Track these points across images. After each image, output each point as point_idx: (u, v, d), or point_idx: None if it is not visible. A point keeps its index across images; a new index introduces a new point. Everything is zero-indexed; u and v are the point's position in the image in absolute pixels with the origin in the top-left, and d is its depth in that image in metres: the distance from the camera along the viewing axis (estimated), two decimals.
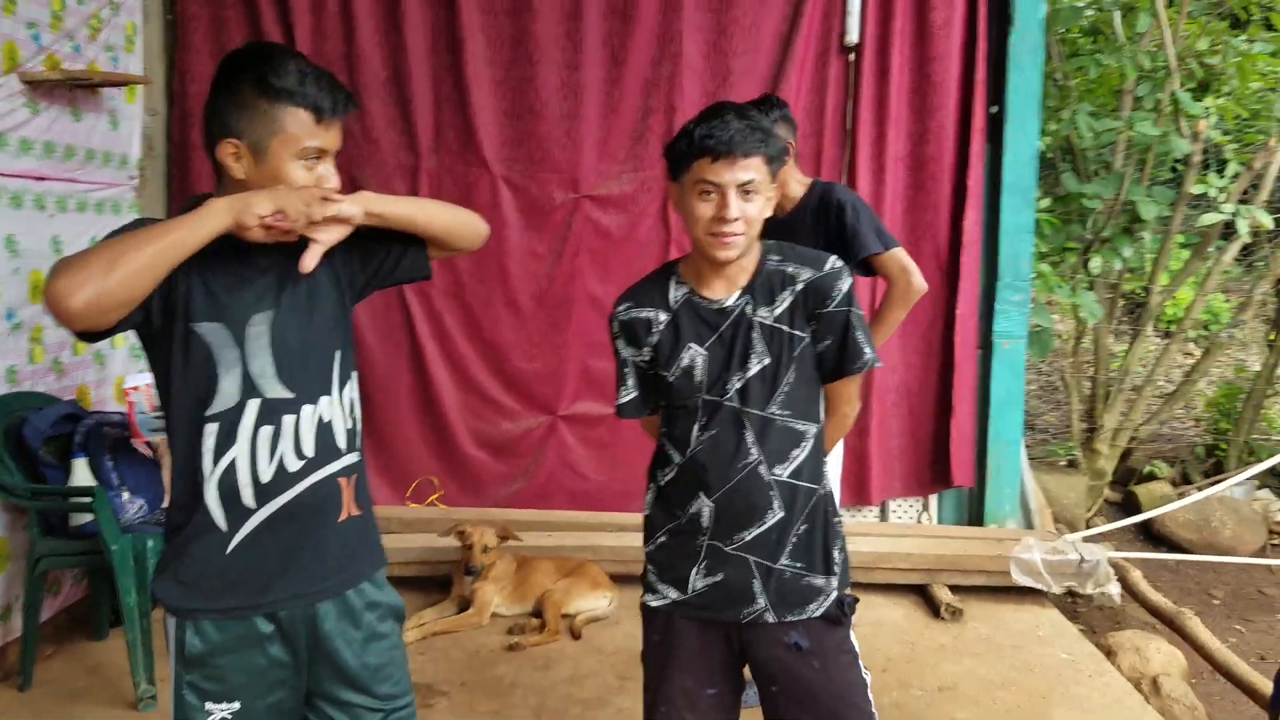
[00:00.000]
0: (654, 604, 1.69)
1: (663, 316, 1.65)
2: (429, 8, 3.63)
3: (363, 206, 1.40)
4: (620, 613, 3.31)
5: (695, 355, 1.63)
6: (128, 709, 2.66)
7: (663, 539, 1.69)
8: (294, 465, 1.41)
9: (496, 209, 3.72)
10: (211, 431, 1.39)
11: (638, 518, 3.76)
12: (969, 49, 3.69)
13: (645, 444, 4.46)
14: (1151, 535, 4.79)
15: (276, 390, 1.40)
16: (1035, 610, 3.49)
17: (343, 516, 1.46)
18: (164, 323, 1.37)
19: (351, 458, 1.49)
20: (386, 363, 3.79)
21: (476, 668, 2.96)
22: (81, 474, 2.75)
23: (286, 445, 1.41)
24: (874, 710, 1.70)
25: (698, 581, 1.65)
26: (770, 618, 1.62)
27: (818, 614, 1.63)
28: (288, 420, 1.41)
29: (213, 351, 1.38)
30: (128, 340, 3.54)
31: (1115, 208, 4.46)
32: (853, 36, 3.67)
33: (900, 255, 2.44)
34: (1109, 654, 3.28)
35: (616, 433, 3.83)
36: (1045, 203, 4.66)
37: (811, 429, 1.65)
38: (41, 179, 3.00)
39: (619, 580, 3.40)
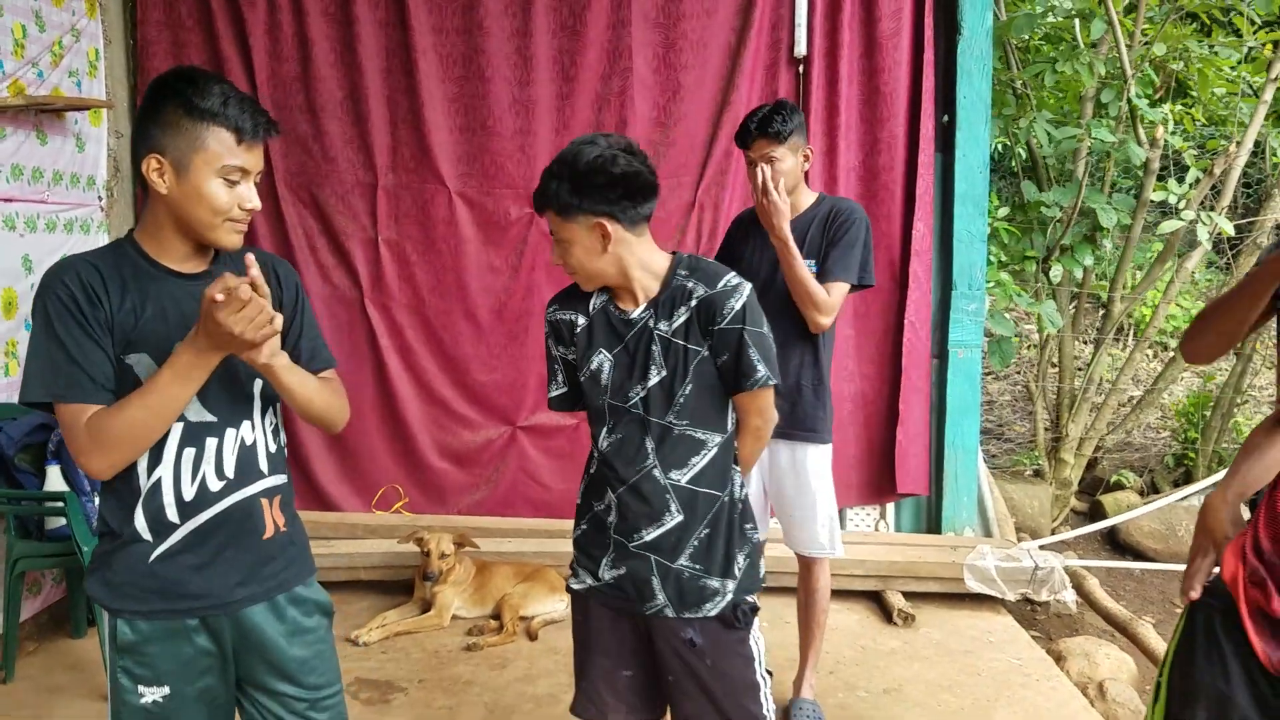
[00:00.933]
0: (574, 587, 1.98)
1: (581, 320, 1.91)
2: (382, 29, 4.03)
3: (274, 358, 1.56)
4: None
5: (603, 361, 1.88)
6: (103, 701, 3.04)
7: (584, 527, 1.96)
8: (215, 485, 1.61)
9: (453, 224, 4.13)
10: (188, 457, 1.59)
11: None
12: (917, 60, 4.02)
13: None
14: (1117, 544, 5.14)
15: (199, 414, 1.61)
16: (989, 617, 3.78)
17: (267, 534, 1.67)
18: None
19: (275, 479, 1.69)
20: (351, 374, 4.16)
21: (435, 666, 3.34)
22: (55, 480, 3.13)
23: (208, 466, 1.61)
24: (766, 712, 1.93)
25: (605, 572, 1.90)
26: (670, 613, 1.85)
27: (713, 614, 1.85)
28: (210, 442, 1.61)
29: (140, 379, 1.56)
30: None
31: (1074, 215, 4.88)
32: (801, 48, 4.02)
33: (838, 290, 2.66)
34: (1059, 659, 3.50)
35: (576, 442, 4.24)
36: (1004, 211, 5.07)
37: (714, 438, 1.86)
38: (9, 200, 3.40)
39: None
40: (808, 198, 2.80)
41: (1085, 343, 5.81)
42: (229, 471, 1.63)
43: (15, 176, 3.44)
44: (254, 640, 1.68)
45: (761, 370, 1.82)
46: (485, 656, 3.42)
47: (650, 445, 1.84)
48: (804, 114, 4.04)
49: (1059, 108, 5.50)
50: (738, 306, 1.80)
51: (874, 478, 4.27)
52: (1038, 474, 5.29)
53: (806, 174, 4.03)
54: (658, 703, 2.04)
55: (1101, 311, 5.64)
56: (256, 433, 1.67)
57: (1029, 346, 6.67)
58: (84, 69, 3.84)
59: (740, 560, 1.89)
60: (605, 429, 1.90)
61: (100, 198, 3.95)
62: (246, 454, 1.65)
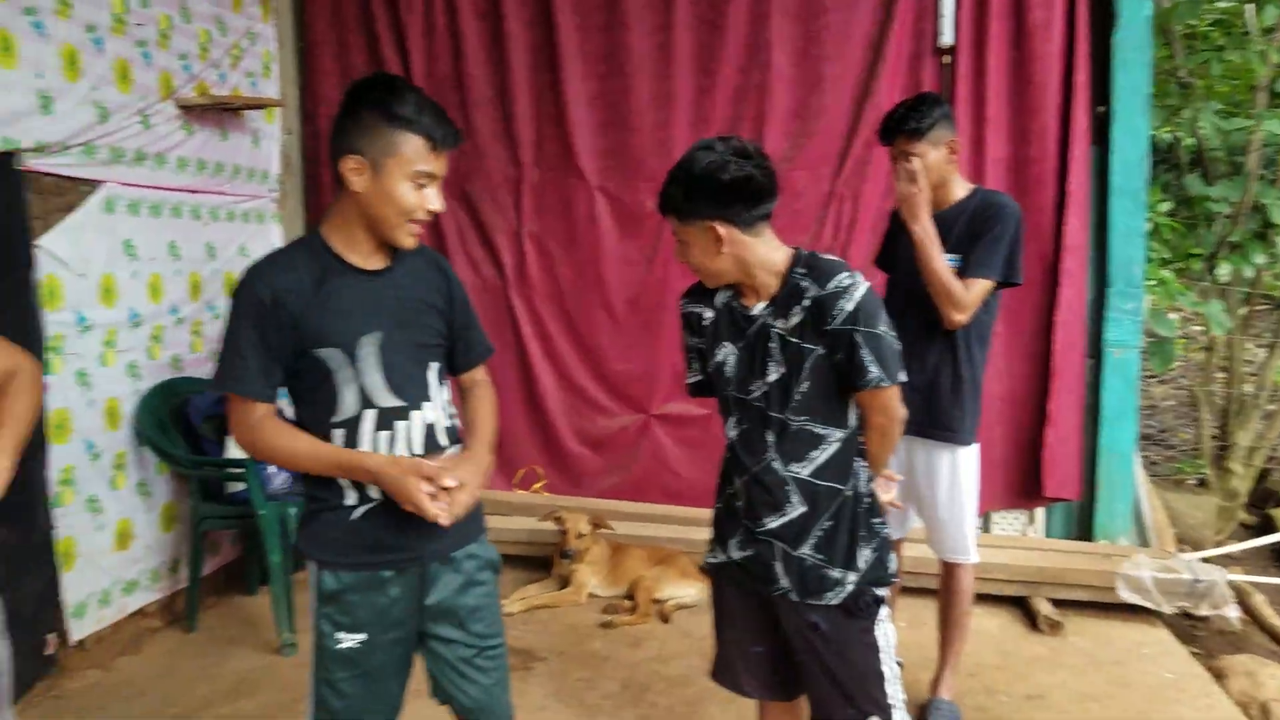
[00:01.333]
0: (709, 561, 2.13)
1: (709, 314, 2.02)
2: (528, 28, 4.33)
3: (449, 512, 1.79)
4: (709, 603, 3.90)
5: (728, 355, 1.98)
6: (273, 654, 3.44)
7: (720, 505, 2.10)
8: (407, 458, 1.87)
9: (593, 218, 4.40)
10: (339, 435, 1.83)
11: None
12: (1070, 49, 4.01)
13: None
14: None
15: (389, 400, 1.84)
16: (1143, 629, 3.73)
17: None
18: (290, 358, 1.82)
19: (453, 450, 1.93)
20: (495, 361, 4.44)
21: (573, 640, 3.59)
22: (234, 449, 3.55)
23: (400, 444, 1.85)
24: (891, 701, 2.00)
25: (734, 551, 2.03)
26: (794, 597, 1.96)
27: (835, 603, 1.94)
28: (400, 425, 1.85)
29: (333, 373, 1.81)
30: None
31: (1244, 211, 4.71)
32: (946, 39, 4.08)
33: (978, 287, 2.67)
34: (1219, 677, 3.40)
35: (708, 432, 4.40)
36: (1167, 206, 4.95)
37: (835, 433, 1.93)
38: (196, 192, 3.86)
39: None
40: (959, 190, 2.80)
41: (1258, 346, 5.59)
42: (416, 448, 1.87)
43: (200, 170, 3.90)
44: (432, 590, 1.92)
45: (873, 371, 1.86)
46: (620, 635, 3.65)
47: (770, 438, 1.94)
48: (951, 105, 4.13)
49: (1229, 97, 5.32)
50: (849, 308, 1.85)
51: (1021, 480, 4.26)
52: (1202, 484, 5.14)
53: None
54: (790, 685, 2.15)
55: (1277, 313, 5.43)
56: (436, 412, 1.91)
57: (1196, 349, 6.43)
58: (259, 70, 4.30)
59: (865, 553, 1.96)
60: (733, 420, 2.02)
61: (273, 190, 4.41)
62: (429, 431, 1.89)
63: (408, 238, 1.83)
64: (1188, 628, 4.17)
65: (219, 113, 3.97)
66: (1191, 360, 6.66)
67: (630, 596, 3.89)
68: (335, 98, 4.42)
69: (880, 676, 2.00)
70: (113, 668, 3.33)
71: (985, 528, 4.38)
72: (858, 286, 1.87)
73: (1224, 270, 4.77)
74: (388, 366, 1.84)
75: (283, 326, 1.77)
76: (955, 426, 2.81)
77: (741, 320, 1.98)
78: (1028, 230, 4.05)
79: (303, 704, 3.02)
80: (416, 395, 1.88)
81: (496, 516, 4.37)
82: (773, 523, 1.96)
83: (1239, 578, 4.10)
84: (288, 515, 3.49)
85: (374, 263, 1.86)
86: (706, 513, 4.19)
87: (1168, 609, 3.75)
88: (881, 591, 1.99)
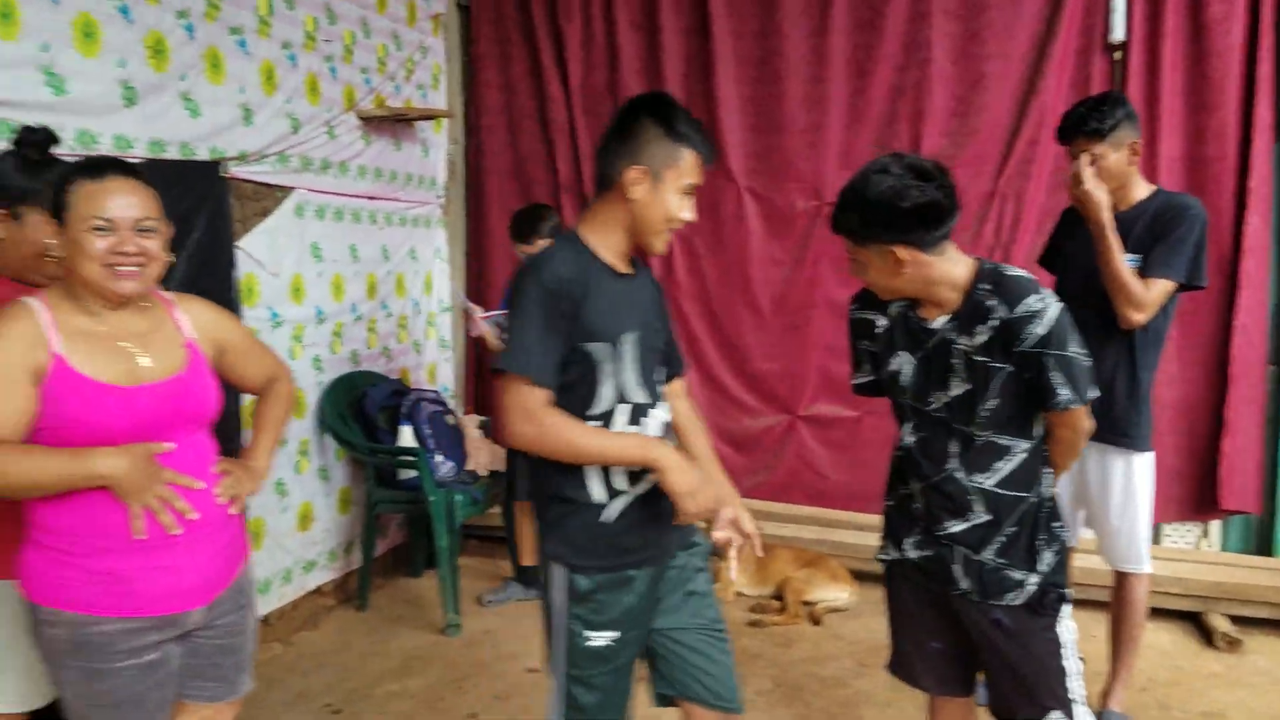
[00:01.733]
0: (881, 558, 2.11)
1: (882, 321, 2.00)
2: (684, 36, 4.37)
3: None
4: (861, 606, 3.82)
5: (903, 364, 1.96)
6: (438, 634, 3.59)
7: (891, 502, 2.08)
8: None
9: (741, 219, 4.40)
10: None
11: (876, 519, 4.31)
12: (1252, 42, 3.80)
13: (886, 448, 5.03)
14: None
15: (639, 396, 1.89)
16: None
17: None
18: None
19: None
20: None
21: None
22: (406, 438, 3.72)
23: None
24: (1073, 697, 1.96)
25: (910, 550, 2.01)
26: (975, 597, 1.93)
27: (1017, 603, 1.91)
28: (644, 420, 1.90)
29: (598, 367, 1.84)
30: (438, 333, 4.65)
31: None
32: (1118, 34, 3.92)
33: (1159, 287, 2.58)
34: None
35: (855, 435, 4.36)
36: None
37: (1021, 444, 1.89)
38: (373, 198, 4.07)
39: (858, 577, 3.93)
40: (1140, 191, 2.71)
41: None
42: None
43: (377, 178, 4.11)
44: (669, 584, 1.99)
45: (1064, 394, 1.82)
46: (770, 634, 3.64)
47: (954, 449, 1.91)
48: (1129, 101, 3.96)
49: None
50: (1039, 332, 1.79)
51: (1195, 492, 4.05)
52: None
53: None
54: (968, 681, 2.13)
55: None
56: (664, 412, 1.99)
57: None
58: (429, 82, 4.50)
59: (1047, 556, 1.93)
60: (910, 426, 1.99)
61: (439, 197, 4.60)
62: (665, 428, 1.97)
63: (662, 243, 1.90)
64: None
65: (393, 123, 4.17)
66: None
67: (778, 597, 3.87)
68: (498, 108, 4.66)
69: (1062, 672, 1.97)
70: (292, 642, 3.54)
71: (1155, 540, 4.19)
72: (1049, 309, 1.81)
73: None
74: (641, 364, 1.90)
75: (565, 317, 1.80)
76: (1131, 432, 2.72)
77: (919, 332, 1.94)
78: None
79: (466, 683, 3.19)
80: (655, 394, 1.96)
81: None
82: (954, 528, 1.94)
83: None
84: (454, 502, 3.63)
85: (623, 267, 1.91)
86: (855, 516, 4.27)
87: None
88: (1068, 590, 1.96)
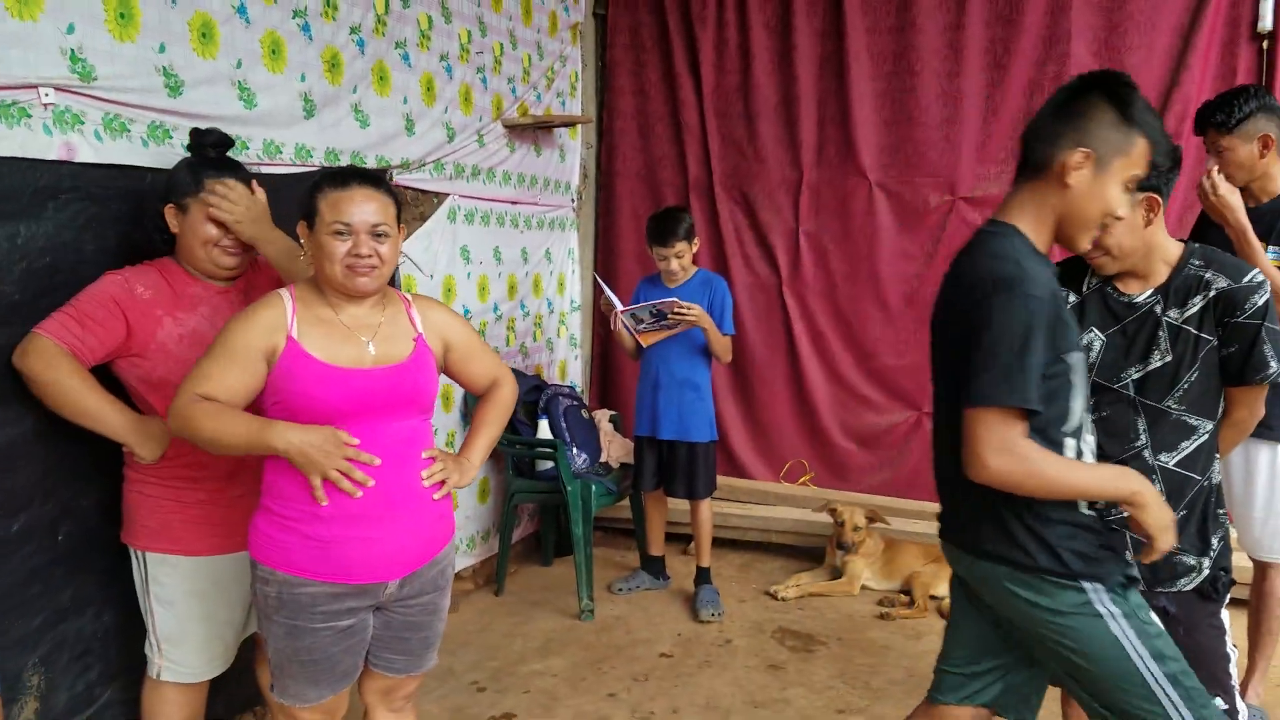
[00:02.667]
0: None
1: (1073, 297, 2.00)
2: (818, 38, 4.34)
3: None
4: None
5: (1093, 339, 1.95)
6: (573, 618, 3.67)
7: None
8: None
9: (871, 214, 4.35)
10: (1070, 446, 1.65)
11: None
12: None
13: None
14: None
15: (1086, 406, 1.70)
16: None
17: None
18: None
19: None
20: (765, 356, 4.57)
21: (851, 628, 3.57)
22: (544, 430, 3.82)
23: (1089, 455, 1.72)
24: (1234, 683, 1.94)
25: None
26: (1141, 586, 1.84)
27: (1189, 589, 1.91)
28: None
29: (1072, 378, 1.64)
30: (569, 331, 4.75)
31: None
32: (1266, 23, 3.74)
33: None
34: None
35: None
36: None
37: (1206, 425, 1.90)
38: (515, 203, 4.18)
39: None
40: (1278, 184, 2.64)
41: None
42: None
43: (520, 183, 4.21)
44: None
45: (1274, 366, 1.84)
46: (898, 627, 3.59)
47: (1142, 426, 1.90)
48: (1270, 93, 3.77)
49: None
50: (1260, 302, 1.84)
51: None
52: None
53: None
54: None
55: None
56: None
57: None
58: (567, 90, 4.59)
59: (1215, 541, 1.93)
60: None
61: (573, 200, 4.71)
62: None
63: (1088, 242, 1.70)
64: None
65: (534, 130, 4.27)
66: None
67: (906, 591, 3.82)
68: (630, 112, 4.73)
69: (1226, 658, 1.95)
70: None
71: None
72: (1268, 283, 1.86)
73: None
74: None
75: (1050, 329, 1.58)
76: (1274, 424, 2.61)
77: (1118, 307, 1.94)
78: None
79: (604, 665, 3.26)
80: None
81: (764, 506, 4.44)
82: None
83: None
84: (590, 493, 3.70)
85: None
86: None
87: None
88: (1229, 576, 1.96)
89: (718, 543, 4.16)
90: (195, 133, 2.17)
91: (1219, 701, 1.90)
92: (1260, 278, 1.85)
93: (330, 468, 1.76)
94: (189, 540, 2.06)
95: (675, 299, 3.46)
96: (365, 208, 1.80)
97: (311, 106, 2.93)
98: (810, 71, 4.38)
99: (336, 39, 3.03)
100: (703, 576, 3.79)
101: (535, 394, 3.96)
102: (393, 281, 3.23)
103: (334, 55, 3.02)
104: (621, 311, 3.54)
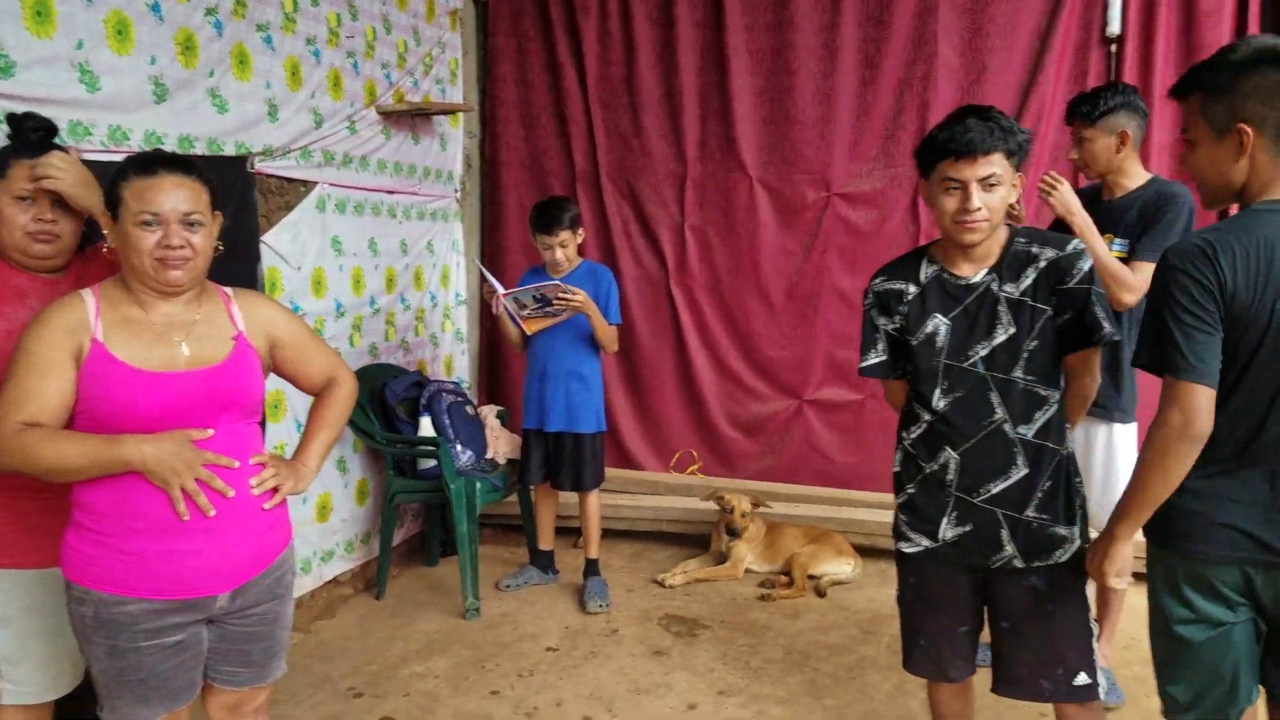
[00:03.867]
0: (908, 550, 2.05)
1: (912, 289, 2.00)
2: (698, 30, 4.31)
3: None
4: (864, 579, 3.85)
5: (939, 324, 1.97)
6: (458, 618, 3.56)
7: (912, 490, 2.03)
8: None
9: (752, 209, 4.36)
10: None
11: (881, 496, 4.33)
12: (1240, 36, 3.73)
13: (888, 429, 4.98)
14: None
15: None
16: None
17: None
18: None
19: None
20: (654, 348, 4.56)
21: (734, 611, 3.59)
22: (427, 428, 3.68)
23: None
24: (1096, 658, 1.98)
25: (948, 531, 1.98)
26: (1018, 563, 1.92)
27: (1064, 559, 1.92)
28: None
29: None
30: (454, 325, 4.60)
31: None
32: (1114, 28, 3.89)
33: (1146, 270, 2.54)
34: None
35: (860, 418, 4.35)
36: None
37: (1054, 394, 1.93)
38: (392, 192, 4.02)
39: (861, 551, 3.95)
40: (1135, 180, 2.74)
41: None
42: None
43: (396, 172, 4.05)
44: None
45: (1108, 326, 1.89)
46: (778, 607, 3.63)
47: (997, 400, 1.92)
48: (1137, 93, 3.93)
49: None
50: (1085, 268, 1.89)
51: None
52: None
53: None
54: (973, 662, 2.13)
55: None
56: None
57: None
58: (447, 77, 4.44)
59: (1078, 508, 1.97)
60: (940, 390, 1.97)
61: (456, 190, 4.56)
62: None
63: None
64: None
65: (411, 118, 4.11)
66: None
67: (786, 572, 3.86)
68: (513, 101, 4.61)
69: (1090, 633, 1.99)
70: (311, 630, 3.48)
71: None
72: (1088, 252, 1.92)
73: None
74: None
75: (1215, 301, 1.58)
76: (1109, 404, 2.76)
77: (957, 290, 1.97)
78: (1196, 218, 3.89)
79: (488, 663, 3.17)
80: None
81: (654, 496, 4.42)
82: (996, 487, 1.94)
83: None
84: (474, 490, 3.59)
85: None
86: (860, 494, 4.25)
87: None
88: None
89: (609, 534, 4.12)
90: (13, 118, 1.96)
91: (1083, 677, 1.97)
92: (1081, 246, 1.92)
93: (190, 478, 1.64)
94: (24, 552, 1.88)
95: (559, 283, 3.38)
96: (175, 195, 1.66)
97: (163, 91, 2.73)
98: (692, 65, 4.36)
99: (191, 20, 2.83)
100: (591, 568, 3.75)
101: (416, 390, 3.82)
102: (254, 275, 3.10)
103: (188, 37, 2.82)
104: (504, 294, 3.42)
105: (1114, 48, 3.98)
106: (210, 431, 1.70)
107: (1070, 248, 1.91)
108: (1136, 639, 3.30)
